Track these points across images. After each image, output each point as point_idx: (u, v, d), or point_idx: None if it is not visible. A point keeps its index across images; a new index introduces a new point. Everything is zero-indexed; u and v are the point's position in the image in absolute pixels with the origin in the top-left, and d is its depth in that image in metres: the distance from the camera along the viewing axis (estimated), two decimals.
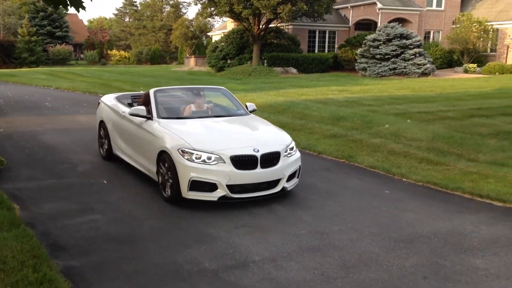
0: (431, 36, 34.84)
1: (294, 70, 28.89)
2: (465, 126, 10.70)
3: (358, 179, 7.37)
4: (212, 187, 5.82)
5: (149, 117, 6.74)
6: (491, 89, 18.17)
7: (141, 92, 9.41)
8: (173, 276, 4.30)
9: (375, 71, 25.81)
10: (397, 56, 25.64)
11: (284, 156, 6.20)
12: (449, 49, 31.49)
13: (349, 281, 4.22)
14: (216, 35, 44.50)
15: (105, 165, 7.99)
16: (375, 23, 31.20)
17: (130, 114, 6.89)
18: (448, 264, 4.57)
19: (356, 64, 27.24)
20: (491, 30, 31.63)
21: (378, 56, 25.85)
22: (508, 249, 4.90)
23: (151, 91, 7.14)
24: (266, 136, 6.63)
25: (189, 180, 5.79)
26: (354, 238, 5.13)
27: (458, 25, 31.46)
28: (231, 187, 5.82)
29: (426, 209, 6.08)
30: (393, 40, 25.80)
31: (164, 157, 6.16)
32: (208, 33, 50.11)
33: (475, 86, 19.42)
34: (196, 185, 5.82)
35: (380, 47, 25.91)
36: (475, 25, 30.52)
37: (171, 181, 6.02)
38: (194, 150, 5.86)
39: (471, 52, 30.90)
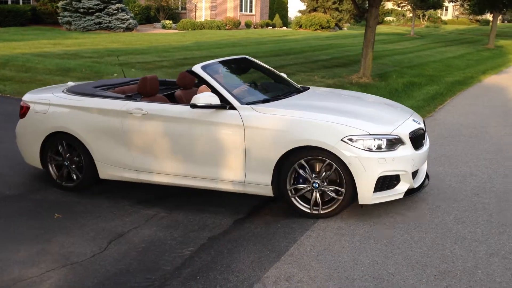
0: None
1: None
2: (179, 72, 12.88)
3: None
4: (394, 180, 4.39)
5: (224, 105, 4.57)
6: (190, 43, 21.19)
7: (77, 82, 6.44)
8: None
9: (80, 25, 25.87)
10: (101, 10, 26.27)
11: None
12: (146, 6, 33.76)
13: None
14: None
15: None
16: None
17: (194, 107, 4.53)
18: None
19: (59, 17, 26.57)
20: None
21: (81, 10, 25.90)
22: None
23: (198, 69, 4.80)
24: (394, 106, 5.30)
25: (378, 178, 4.24)
26: None
27: None
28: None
29: None
30: None
31: (293, 159, 4.36)
32: None
33: (176, 40, 22.16)
34: (381, 182, 4.31)
35: (82, 1, 25.96)
36: None
37: (326, 190, 4.37)
38: (370, 134, 4.26)
39: (165, 9, 33.99)
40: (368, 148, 4.22)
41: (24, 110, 5.48)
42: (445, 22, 56.80)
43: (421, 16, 52.60)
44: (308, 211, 4.45)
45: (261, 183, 4.51)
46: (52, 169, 5.34)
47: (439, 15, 57.61)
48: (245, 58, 5.76)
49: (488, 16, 45.21)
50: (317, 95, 5.47)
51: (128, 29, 27.11)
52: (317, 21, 36.41)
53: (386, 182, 4.33)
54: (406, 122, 4.62)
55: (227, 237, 4.24)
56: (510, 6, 30.19)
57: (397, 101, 6.51)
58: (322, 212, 4.42)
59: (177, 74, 12.59)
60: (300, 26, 37.17)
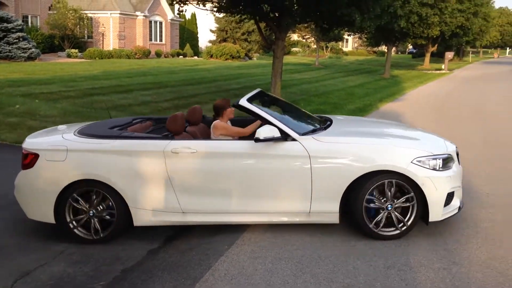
0: (29, 21, 34.79)
1: None
2: (88, 102, 12.57)
3: (9, 154, 8.12)
4: (451, 196, 4.73)
5: (284, 137, 4.57)
6: (97, 72, 20.69)
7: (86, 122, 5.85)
8: None
9: None
10: (0, 39, 24.86)
11: None
12: (49, 34, 32.46)
13: None
14: None
15: None
16: None
17: (258, 141, 4.47)
18: None
19: None
20: (86, 18, 34.52)
21: None
22: None
23: (246, 103, 4.77)
24: (421, 129, 5.92)
25: (446, 195, 4.60)
26: None
27: (55, 12, 32.78)
28: None
29: None
30: None
31: (363, 185, 4.49)
32: None
33: (83, 69, 21.52)
34: (447, 199, 4.65)
35: None
36: (71, 13, 32.61)
37: (396, 211, 4.60)
38: (433, 154, 4.62)
39: (71, 38, 32.91)
40: (434, 168, 4.56)
41: (30, 160, 4.70)
42: (346, 53, 60.68)
43: (324, 48, 55.73)
44: (395, 232, 4.63)
45: (328, 211, 4.61)
46: (75, 226, 4.71)
47: (340, 46, 61.47)
48: (261, 91, 5.65)
49: (384, 48, 49.06)
50: (353, 122, 5.94)
51: (30, 58, 25.85)
52: (227, 51, 37.21)
53: (447, 199, 4.64)
54: (447, 141, 5.10)
55: (141, 268, 4.22)
56: (401, 39, 33.14)
57: None
58: (410, 225, 4.61)
59: (85, 104, 12.27)
60: (211, 56, 37.75)
